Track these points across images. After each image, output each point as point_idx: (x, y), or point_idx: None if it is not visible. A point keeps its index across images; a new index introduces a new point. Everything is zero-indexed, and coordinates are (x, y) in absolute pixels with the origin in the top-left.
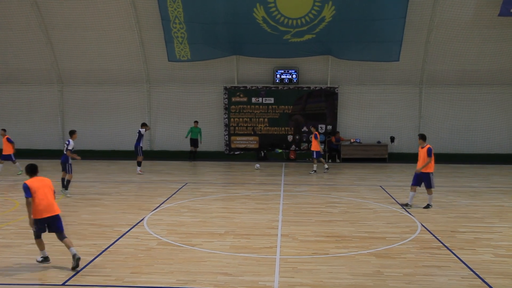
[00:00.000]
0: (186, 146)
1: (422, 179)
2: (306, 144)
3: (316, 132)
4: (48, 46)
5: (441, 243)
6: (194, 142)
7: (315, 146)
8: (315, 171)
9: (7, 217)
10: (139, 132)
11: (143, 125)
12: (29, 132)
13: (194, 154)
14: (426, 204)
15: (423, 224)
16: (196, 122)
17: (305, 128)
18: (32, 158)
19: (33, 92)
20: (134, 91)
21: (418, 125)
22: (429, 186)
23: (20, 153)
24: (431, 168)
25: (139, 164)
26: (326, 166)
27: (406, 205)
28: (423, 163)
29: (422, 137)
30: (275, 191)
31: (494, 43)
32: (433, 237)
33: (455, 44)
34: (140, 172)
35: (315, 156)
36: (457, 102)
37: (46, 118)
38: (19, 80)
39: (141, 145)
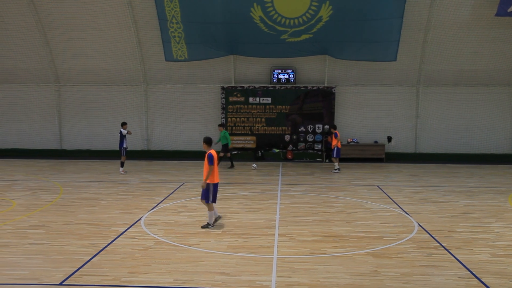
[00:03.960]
0: (184, 146)
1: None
2: (303, 144)
3: (336, 131)
4: (45, 45)
5: (438, 243)
6: (223, 148)
7: (335, 144)
8: (338, 169)
9: (4, 217)
10: (120, 132)
11: (123, 124)
12: (26, 132)
13: (220, 159)
14: (206, 223)
15: (420, 224)
16: (220, 125)
17: (302, 128)
18: (29, 158)
19: (30, 92)
20: (131, 91)
21: (415, 125)
22: (206, 198)
23: (17, 153)
24: (212, 177)
25: (121, 164)
26: (337, 166)
27: (208, 225)
28: (207, 171)
29: (206, 141)
30: (272, 191)
31: (491, 43)
32: (430, 237)
33: (452, 44)
34: (122, 172)
35: (334, 155)
36: (454, 102)
37: (43, 118)
38: (15, 79)
39: (124, 146)
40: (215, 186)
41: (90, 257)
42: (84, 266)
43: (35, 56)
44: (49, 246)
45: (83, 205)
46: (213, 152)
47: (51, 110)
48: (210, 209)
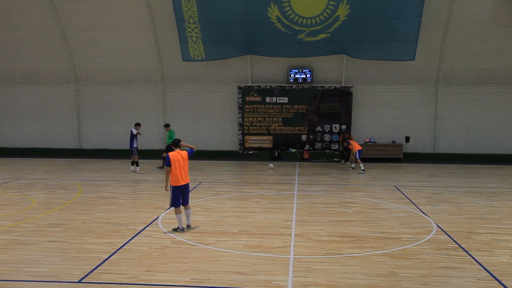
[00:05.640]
0: (201, 145)
1: None
2: (320, 144)
3: (351, 141)
4: (64, 46)
5: (457, 244)
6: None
7: (356, 147)
8: (363, 170)
9: (25, 215)
10: (131, 132)
11: (136, 125)
12: (46, 131)
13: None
14: (176, 226)
15: (438, 225)
16: (166, 125)
17: (319, 128)
18: (48, 157)
19: (49, 92)
20: (149, 91)
21: (433, 124)
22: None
23: (37, 152)
24: (172, 179)
25: (137, 164)
26: (353, 165)
27: (177, 228)
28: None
29: (173, 143)
30: (289, 191)
31: None
32: (449, 238)
33: (472, 43)
34: (140, 172)
35: (357, 157)
36: (474, 102)
37: (62, 118)
38: (36, 79)
39: (135, 145)
40: (174, 188)
41: (108, 255)
42: (102, 264)
43: (54, 57)
44: (68, 244)
45: (101, 204)
46: (170, 153)
47: (70, 109)
48: (175, 212)
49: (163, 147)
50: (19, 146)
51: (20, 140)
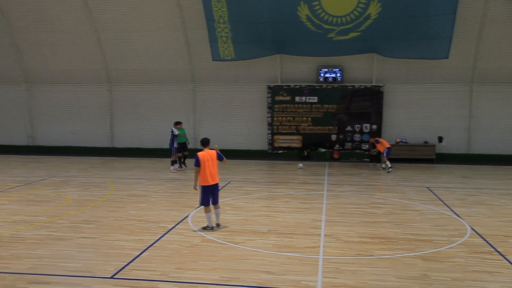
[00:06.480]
0: (230, 145)
1: None
2: (350, 144)
3: (377, 138)
4: (97, 47)
5: (493, 247)
6: (183, 147)
7: (386, 144)
8: (391, 167)
9: (60, 211)
10: (172, 132)
11: (177, 123)
12: (80, 131)
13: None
14: (206, 225)
15: (473, 227)
16: (179, 123)
17: (349, 128)
18: (82, 156)
19: (83, 92)
20: (179, 90)
21: (468, 125)
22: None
23: (71, 150)
24: (201, 179)
25: (172, 163)
26: (383, 165)
27: (207, 227)
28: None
29: (202, 142)
30: (318, 191)
31: None
32: (484, 241)
33: (509, 40)
34: (173, 171)
35: (385, 154)
36: (511, 101)
37: (95, 117)
38: (71, 80)
39: (175, 145)
40: (204, 188)
41: (139, 252)
42: (134, 261)
43: (88, 57)
44: (100, 240)
45: (133, 201)
46: (199, 153)
47: (103, 109)
48: (205, 211)
49: (193, 146)
50: (54, 145)
51: (55, 138)
